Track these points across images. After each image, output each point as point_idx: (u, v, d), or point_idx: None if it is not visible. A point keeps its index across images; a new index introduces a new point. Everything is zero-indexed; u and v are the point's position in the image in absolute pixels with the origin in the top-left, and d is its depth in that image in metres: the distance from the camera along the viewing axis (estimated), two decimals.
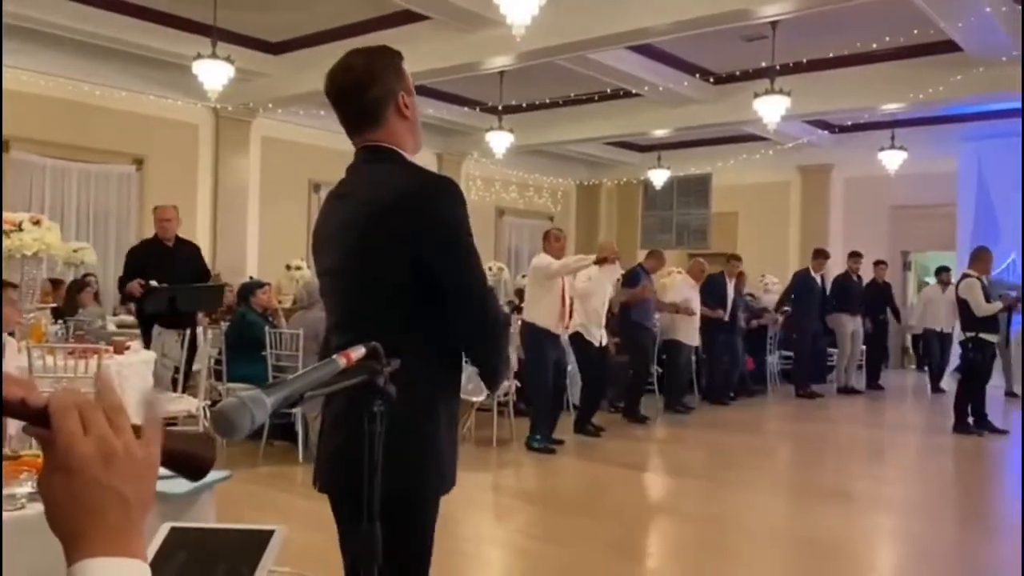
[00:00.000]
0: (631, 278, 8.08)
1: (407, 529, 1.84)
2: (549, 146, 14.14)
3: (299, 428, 5.96)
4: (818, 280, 10.39)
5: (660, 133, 12.66)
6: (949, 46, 8.79)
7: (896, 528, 4.98)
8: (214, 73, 8.20)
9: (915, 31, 8.26)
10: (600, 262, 6.51)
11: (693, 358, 9.30)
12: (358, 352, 1.19)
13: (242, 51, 9.38)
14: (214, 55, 8.11)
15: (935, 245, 13.74)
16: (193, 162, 10.78)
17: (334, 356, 1.14)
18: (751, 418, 8.83)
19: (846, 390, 10.61)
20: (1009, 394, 10.60)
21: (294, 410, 5.92)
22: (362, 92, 1.89)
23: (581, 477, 6.01)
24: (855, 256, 11.04)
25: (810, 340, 10.32)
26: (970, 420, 7.84)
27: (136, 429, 0.72)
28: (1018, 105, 11.40)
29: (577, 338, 6.90)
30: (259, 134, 11.44)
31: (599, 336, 6.98)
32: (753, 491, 5.70)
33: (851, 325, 10.62)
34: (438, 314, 1.83)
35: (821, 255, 10.50)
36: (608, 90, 10.73)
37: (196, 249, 6.91)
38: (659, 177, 14.51)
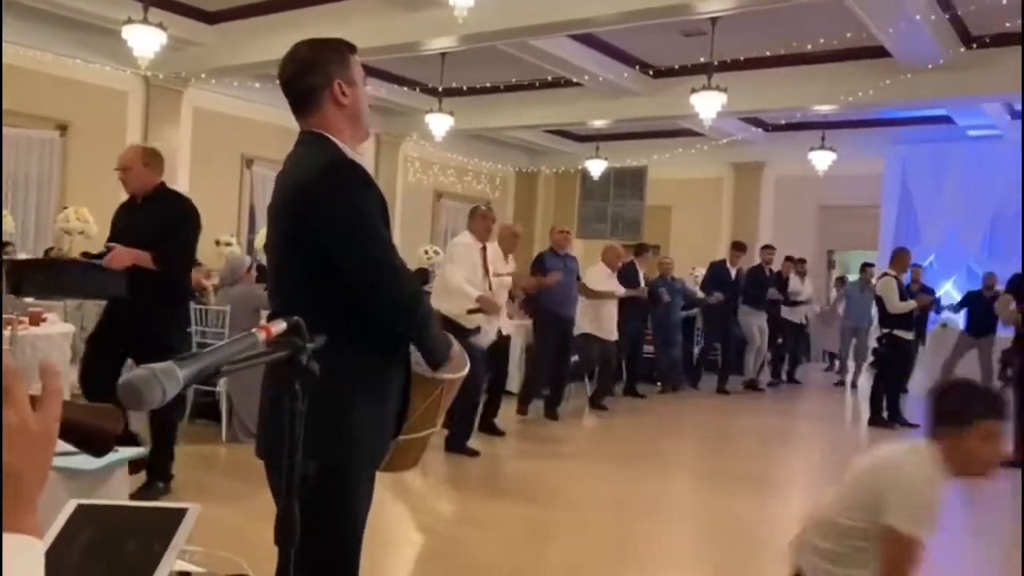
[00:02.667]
0: (537, 263, 7.54)
1: (330, 507, 1.84)
2: (489, 131, 14.11)
3: (223, 407, 5.84)
4: (733, 273, 10.23)
5: (599, 124, 12.76)
6: (880, 51, 9.06)
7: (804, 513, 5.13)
8: (145, 39, 7.93)
9: (848, 35, 8.48)
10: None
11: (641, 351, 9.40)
12: (279, 326, 1.17)
13: (176, 18, 9.08)
14: (145, 21, 7.84)
15: (859, 244, 14.19)
16: (120, 130, 10.41)
17: (253, 330, 1.12)
18: (674, 408, 8.98)
19: (753, 385, 10.40)
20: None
21: (217, 388, 5.81)
22: (300, 79, 1.98)
23: (498, 467, 6.03)
24: (768, 249, 10.94)
25: (721, 331, 10.16)
26: (885, 414, 8.13)
27: (34, 401, 0.69)
28: (944, 112, 11.87)
29: (478, 330, 6.16)
30: (191, 105, 11.11)
31: (498, 326, 6.24)
32: (672, 478, 5.83)
33: (758, 320, 10.44)
34: (349, 294, 1.87)
35: (738, 247, 10.38)
36: (549, 78, 10.75)
37: (167, 209, 4.29)
38: (596, 167, 14.62)
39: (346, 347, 1.82)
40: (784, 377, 11.34)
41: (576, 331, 7.78)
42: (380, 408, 1.92)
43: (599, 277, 8.32)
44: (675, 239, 15.00)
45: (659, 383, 9.82)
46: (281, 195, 1.95)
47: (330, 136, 1.96)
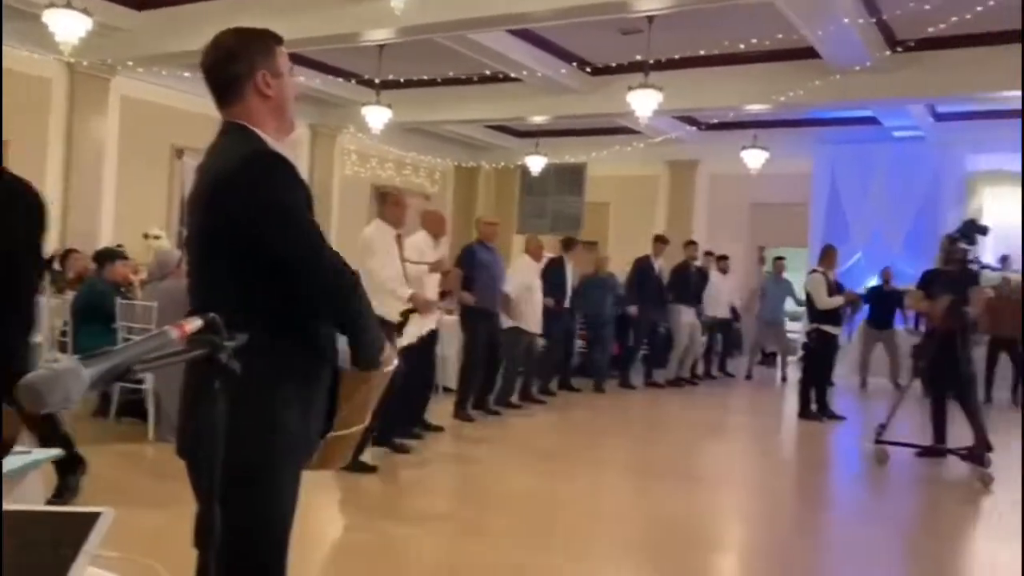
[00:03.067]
0: (466, 255, 7.26)
1: (255, 508, 1.80)
2: (428, 125, 14.02)
3: (150, 405, 5.68)
4: (657, 267, 10.16)
5: (538, 120, 12.79)
6: (810, 53, 9.27)
7: (740, 506, 5.25)
8: (69, 25, 7.65)
9: (779, 36, 8.66)
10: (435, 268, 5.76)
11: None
12: (193, 324, 1.13)
13: (102, 3, 8.79)
14: (69, 5, 7.56)
15: (790, 241, 14.51)
16: (43, 119, 10.03)
17: (166, 327, 1.08)
18: (607, 404, 9.06)
19: (679, 381, 10.38)
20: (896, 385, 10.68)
21: (144, 386, 5.65)
22: (222, 68, 1.94)
23: (431, 464, 6.00)
24: (691, 245, 10.90)
25: (648, 327, 10.16)
26: (813, 407, 8.35)
27: None
28: (870, 113, 12.22)
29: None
30: (119, 93, 10.77)
31: (422, 324, 6.02)
32: (607, 473, 5.88)
33: (687, 316, 10.46)
34: (279, 286, 1.82)
35: (659, 240, 10.31)
36: (488, 72, 10.72)
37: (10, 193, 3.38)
38: (536, 163, 14.66)
39: (272, 343, 1.79)
40: (713, 372, 11.50)
41: (503, 325, 7.62)
42: (308, 405, 1.89)
43: (523, 269, 8.17)
44: (613, 235, 15.14)
45: (593, 378, 9.89)
46: (201, 187, 1.90)
47: (253, 127, 1.92)
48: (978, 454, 5.83)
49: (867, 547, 4.49)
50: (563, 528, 4.46)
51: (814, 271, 8.54)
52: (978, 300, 6.44)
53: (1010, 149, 12.62)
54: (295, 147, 12.65)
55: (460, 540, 4.12)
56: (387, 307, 5.41)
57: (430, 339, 6.21)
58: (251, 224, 1.79)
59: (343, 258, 1.90)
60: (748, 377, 11.55)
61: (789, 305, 11.45)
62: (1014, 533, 5.00)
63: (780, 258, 12.00)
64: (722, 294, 11.33)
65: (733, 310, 11.98)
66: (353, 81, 11.58)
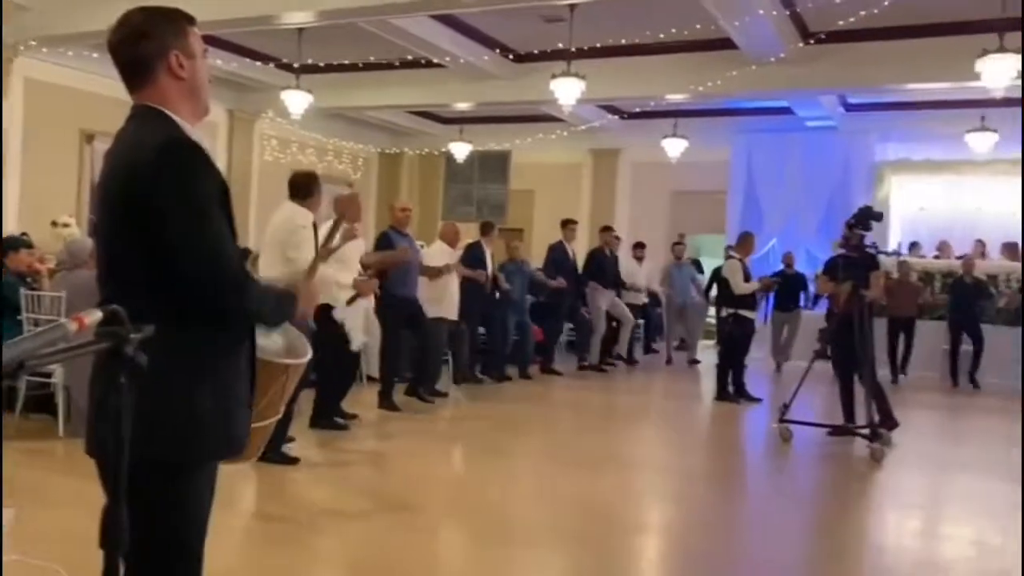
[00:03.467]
0: (382, 243, 7.05)
1: (167, 507, 1.76)
2: (350, 110, 13.82)
3: (59, 399, 5.48)
4: (570, 252, 10.12)
5: (462, 106, 12.74)
6: (727, 43, 9.47)
7: (657, 488, 5.37)
8: None
9: (698, 26, 8.82)
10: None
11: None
12: (93, 316, 1.10)
13: None
14: None
15: (709, 228, 14.86)
16: None
17: (63, 320, 1.05)
18: (533, 390, 9.11)
19: (594, 366, 10.34)
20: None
21: (53, 379, 5.44)
22: (132, 47, 1.85)
23: (359, 454, 5.96)
24: (607, 231, 10.85)
25: (566, 313, 10.09)
26: (731, 389, 8.58)
27: None
28: (785, 103, 12.58)
29: (324, 310, 5.66)
30: (22, 75, 10.26)
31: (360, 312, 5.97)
32: (526, 459, 5.94)
33: (605, 301, 10.43)
34: (182, 281, 1.77)
35: (568, 224, 10.22)
36: (410, 57, 10.62)
37: None
38: (461, 150, 14.63)
39: (184, 335, 1.75)
40: (627, 357, 11.54)
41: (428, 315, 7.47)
42: (223, 398, 1.85)
43: (438, 255, 7.98)
44: (538, 223, 15.23)
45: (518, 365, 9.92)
46: (112, 175, 1.82)
47: (166, 111, 1.85)
48: (873, 431, 6.08)
49: (776, 524, 4.66)
50: (487, 515, 4.49)
51: (731, 257, 8.77)
52: (875, 284, 6.73)
53: (915, 139, 13.21)
54: (212, 132, 12.30)
55: (384, 530, 4.10)
56: (327, 299, 5.38)
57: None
58: (159, 214, 1.73)
59: (237, 254, 1.87)
60: (668, 362, 11.77)
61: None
62: (916, 505, 5.27)
63: (678, 243, 12.23)
64: (640, 281, 11.47)
65: (653, 296, 12.16)
66: (271, 65, 11.32)
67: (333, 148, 15.07)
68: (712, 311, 11.49)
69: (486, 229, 9.08)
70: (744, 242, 8.83)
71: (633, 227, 14.62)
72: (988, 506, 5.22)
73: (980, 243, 12.37)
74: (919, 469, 6.17)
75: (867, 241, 6.46)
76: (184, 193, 1.75)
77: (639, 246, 11.85)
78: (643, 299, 11.61)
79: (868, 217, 6.43)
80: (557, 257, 10.02)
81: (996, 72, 8.02)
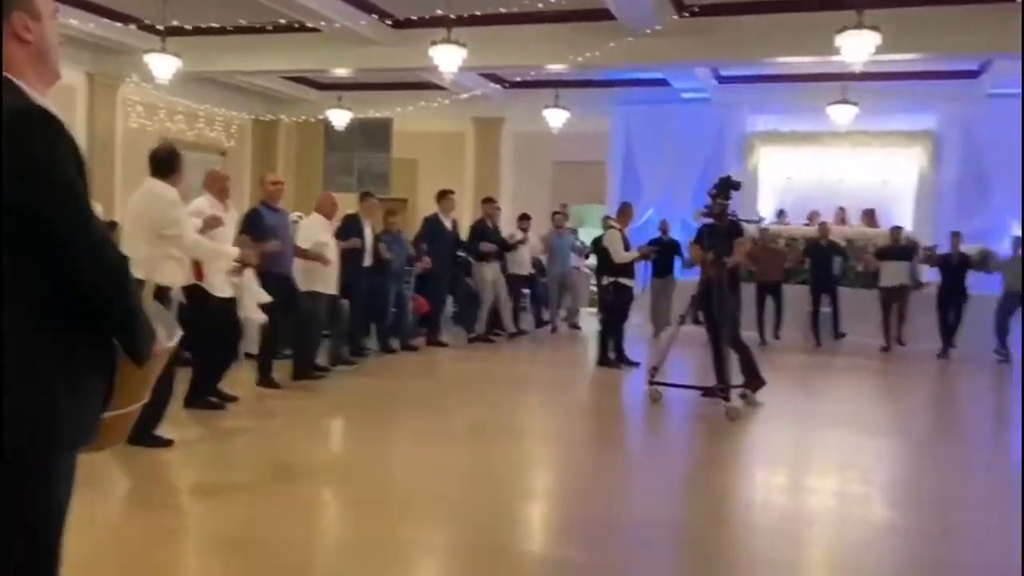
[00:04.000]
0: (253, 219, 6.72)
1: (21, 499, 1.65)
2: (221, 75, 13.23)
3: None
4: (448, 224, 9.96)
5: (340, 72, 12.41)
6: (605, 14, 9.57)
7: (542, 454, 5.47)
8: None
9: None
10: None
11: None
12: None
13: None
14: None
15: (590, 199, 15.10)
16: None
17: None
18: (420, 362, 9.08)
19: (485, 337, 10.39)
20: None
21: None
22: None
23: (234, 434, 5.78)
24: (489, 202, 10.80)
25: (445, 285, 9.98)
26: (612, 355, 8.80)
27: None
28: (661, 76, 12.86)
29: (195, 291, 5.55)
30: None
31: (222, 285, 5.74)
32: (411, 432, 5.91)
33: (490, 273, 10.38)
34: (42, 259, 1.64)
35: (444, 195, 9.99)
36: (283, 21, 10.22)
37: None
38: (340, 118, 14.27)
39: (40, 318, 1.63)
40: (515, 329, 11.62)
41: (302, 287, 7.27)
42: (84, 384, 1.73)
43: (313, 228, 7.70)
44: (422, 192, 15.07)
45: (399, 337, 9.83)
46: None
47: (12, 78, 1.69)
48: (722, 391, 6.38)
49: (653, 486, 4.83)
50: (369, 488, 4.45)
51: (611, 227, 8.94)
52: (739, 250, 7.04)
53: (783, 111, 13.78)
54: (70, 97, 11.52)
55: (262, 507, 4.00)
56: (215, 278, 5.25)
57: (231, 304, 5.93)
58: (15, 191, 1.60)
59: (118, 252, 1.75)
60: (553, 330, 11.93)
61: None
62: (783, 461, 5.56)
63: (558, 212, 12.38)
64: (524, 251, 11.49)
65: (539, 266, 12.27)
66: (134, 26, 10.66)
67: (204, 115, 14.40)
68: (593, 279, 11.74)
69: (364, 199, 8.86)
70: (623, 212, 9.03)
71: (516, 197, 14.70)
72: (849, 458, 5.57)
73: (841, 210, 13.08)
74: (785, 425, 6.51)
75: (729, 210, 6.70)
76: (38, 164, 1.62)
77: (524, 218, 11.83)
78: (529, 269, 11.67)
79: (728, 187, 6.63)
80: (430, 229, 9.80)
81: (855, 47, 8.44)
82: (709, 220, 6.78)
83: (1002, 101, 12.28)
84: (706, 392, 6.82)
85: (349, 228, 8.41)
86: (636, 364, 8.77)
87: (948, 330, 10.83)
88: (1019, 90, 12.04)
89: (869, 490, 4.89)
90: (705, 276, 6.84)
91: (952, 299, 10.81)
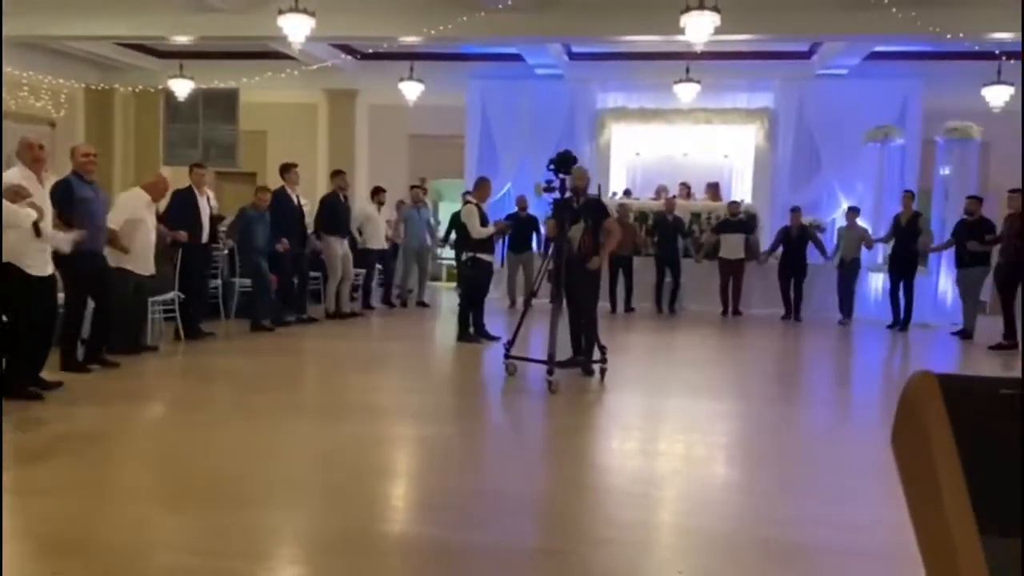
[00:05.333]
0: (63, 191, 6.25)
1: None
2: (48, 40, 12.24)
3: None
4: (294, 198, 9.65)
5: (181, 40, 11.75)
6: None
7: (401, 432, 5.45)
8: None
9: None
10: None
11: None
12: None
13: None
14: None
15: (448, 173, 15.08)
16: None
17: None
18: (263, 343, 8.81)
19: (338, 314, 10.19)
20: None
21: None
22: None
23: (51, 425, 5.44)
24: (339, 175, 10.46)
25: (291, 263, 9.58)
26: (471, 330, 8.86)
27: None
28: (515, 51, 12.93)
29: (8, 269, 5.26)
30: None
31: (43, 264, 5.51)
32: (257, 416, 5.73)
33: (340, 248, 10.13)
34: None
35: (287, 168, 9.69)
36: None
37: None
38: (182, 88, 13.54)
39: None
40: (373, 303, 11.45)
41: (113, 264, 6.92)
42: None
43: (129, 203, 7.25)
44: (272, 165, 14.53)
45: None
46: None
47: None
48: (552, 363, 6.41)
49: (511, 458, 4.93)
50: (217, 480, 4.29)
51: (468, 202, 8.96)
52: (610, 241, 7.16)
53: (631, 88, 14.20)
54: None
55: (88, 506, 3.77)
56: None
57: (51, 284, 5.54)
58: None
59: None
60: (403, 305, 11.84)
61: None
62: (633, 427, 5.80)
63: (415, 187, 12.34)
64: (379, 227, 11.33)
65: (394, 242, 12.14)
66: None
67: (29, 83, 13.29)
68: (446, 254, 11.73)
69: (192, 169, 8.46)
70: (480, 187, 9.07)
71: (373, 172, 14.48)
72: (693, 422, 5.87)
73: (684, 185, 13.67)
74: (636, 393, 6.78)
75: (568, 185, 6.64)
76: None
77: (378, 191, 11.63)
78: (383, 244, 11.49)
79: (568, 161, 6.57)
80: (277, 204, 9.39)
81: (697, 27, 8.79)
82: (554, 195, 6.68)
83: (829, 81, 13.17)
84: (565, 364, 6.93)
85: (180, 203, 8.05)
86: (496, 338, 8.86)
87: (789, 298, 11.61)
88: (844, 71, 12.99)
89: (711, 452, 5.18)
90: (569, 253, 6.76)
91: (793, 270, 11.59)
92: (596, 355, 6.83)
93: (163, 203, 8.03)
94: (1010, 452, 0.70)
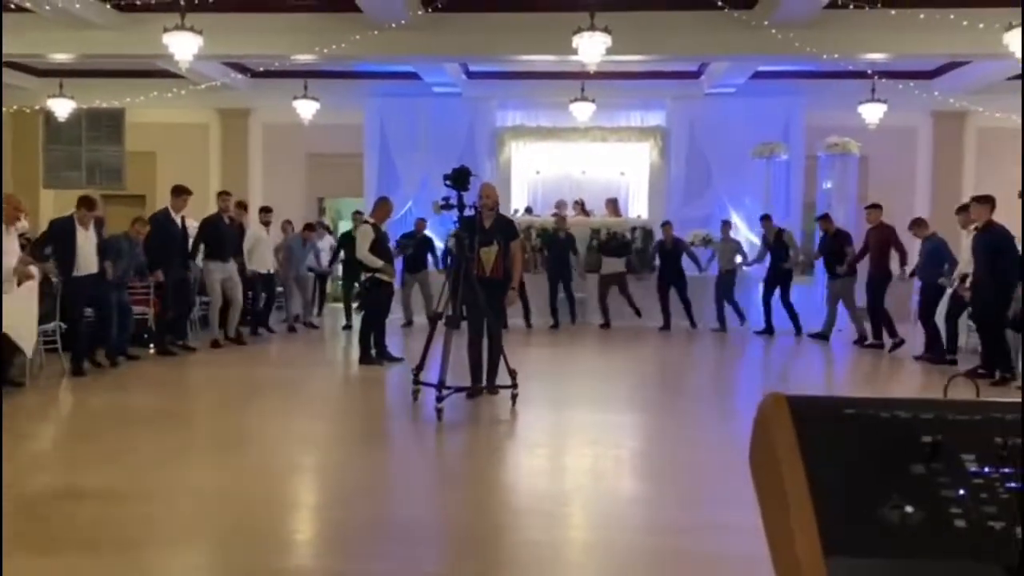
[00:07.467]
0: None
1: None
2: None
3: None
4: (179, 222, 9.25)
5: (61, 58, 11.24)
6: (351, 5, 9.43)
7: (302, 461, 5.30)
8: None
9: None
10: None
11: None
12: None
13: None
14: None
15: (347, 192, 14.89)
16: None
17: None
18: (148, 375, 8.42)
19: (226, 341, 9.78)
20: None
21: None
22: None
23: None
24: (224, 195, 10.08)
25: (171, 289, 9.08)
26: (373, 352, 8.72)
27: None
28: (412, 69, 12.90)
29: None
30: None
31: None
32: (156, 451, 5.50)
33: (220, 272, 9.61)
34: None
35: (177, 192, 9.24)
36: None
37: None
38: (63, 108, 12.94)
39: None
40: (260, 330, 10.93)
41: None
42: None
43: None
44: (161, 187, 14.03)
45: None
46: None
47: None
48: (442, 387, 6.18)
49: (418, 484, 4.86)
50: (108, 523, 4.07)
51: (364, 222, 8.82)
52: (516, 261, 7.03)
53: (529, 106, 14.38)
54: None
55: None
56: None
57: None
58: None
59: None
60: (291, 330, 11.48)
61: None
62: (539, 444, 5.81)
63: (308, 226, 12.06)
64: (267, 249, 10.87)
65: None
66: None
67: None
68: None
69: (79, 207, 7.85)
70: (380, 207, 8.92)
71: (268, 192, 14.16)
72: (597, 436, 5.93)
73: (578, 203, 13.91)
74: (539, 410, 6.78)
75: (466, 200, 6.49)
76: None
77: (265, 210, 11.18)
78: (269, 267, 10.91)
79: (462, 177, 6.46)
80: (159, 228, 8.95)
81: (589, 47, 8.98)
82: (453, 211, 6.56)
83: (718, 99, 13.66)
84: (471, 393, 6.72)
85: (56, 234, 7.67)
86: (399, 359, 8.75)
87: (667, 310, 11.97)
88: (732, 89, 13.49)
89: (617, 466, 5.24)
90: (477, 274, 6.55)
91: (670, 281, 11.98)
92: (505, 379, 6.65)
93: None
94: (853, 473, 0.72)
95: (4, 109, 14.01)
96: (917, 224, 9.86)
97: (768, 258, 11.76)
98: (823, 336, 10.89)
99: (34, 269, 6.63)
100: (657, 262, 12.30)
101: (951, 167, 14.17)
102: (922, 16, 9.37)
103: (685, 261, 12.17)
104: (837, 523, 0.68)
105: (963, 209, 8.88)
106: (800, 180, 13.66)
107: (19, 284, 5.92)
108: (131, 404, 6.93)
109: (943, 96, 12.70)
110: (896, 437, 0.75)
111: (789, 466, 0.72)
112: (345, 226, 14.79)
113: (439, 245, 12.69)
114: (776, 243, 11.57)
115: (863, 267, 10.48)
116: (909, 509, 0.69)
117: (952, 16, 9.21)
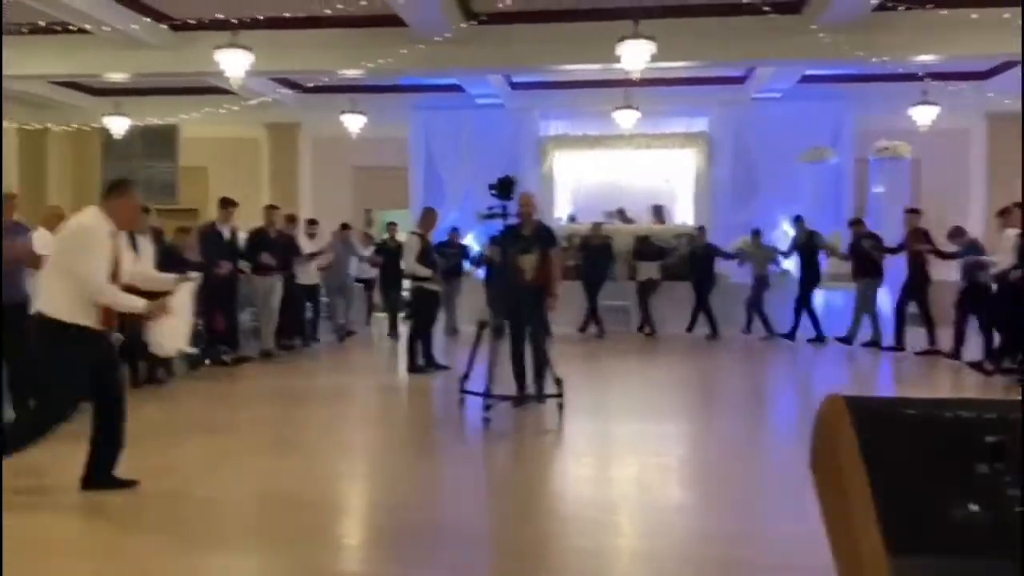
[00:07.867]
0: None
1: None
2: None
3: None
4: (227, 233, 9.31)
5: (116, 77, 11.56)
6: (396, 20, 9.56)
7: (354, 467, 5.36)
8: None
9: (363, 2, 8.78)
10: None
11: None
12: None
13: None
14: None
15: (393, 204, 15.06)
16: None
17: None
18: (203, 386, 8.61)
19: (267, 354, 9.77)
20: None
21: None
22: None
23: None
24: (272, 209, 10.29)
25: (226, 297, 9.16)
26: (421, 360, 8.78)
27: None
28: (455, 81, 13.02)
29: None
30: None
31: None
32: (216, 454, 5.61)
33: (265, 284, 9.76)
34: None
35: (225, 204, 9.33)
36: (42, 23, 9.38)
37: None
38: (118, 125, 13.32)
39: None
40: (309, 340, 10.97)
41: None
42: None
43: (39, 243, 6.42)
44: (213, 201, 14.32)
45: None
46: None
47: None
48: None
49: (467, 491, 4.88)
50: (173, 522, 4.17)
51: (413, 233, 8.90)
52: (556, 274, 7.03)
53: (572, 116, 14.41)
54: None
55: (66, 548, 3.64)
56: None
57: None
58: None
59: None
60: (340, 340, 11.59)
61: None
62: (586, 453, 5.79)
63: (344, 227, 12.08)
64: (312, 261, 10.88)
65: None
66: None
67: None
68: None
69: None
70: (426, 217, 9.00)
71: (317, 204, 14.38)
72: (642, 446, 5.90)
73: (620, 211, 13.87)
74: (585, 419, 6.74)
75: (509, 210, 6.50)
76: None
77: (312, 223, 11.39)
78: (313, 280, 11.01)
79: (507, 186, 6.48)
80: (209, 238, 9.09)
81: (633, 55, 8.96)
82: (498, 220, 6.58)
83: (764, 104, 13.52)
84: (517, 401, 6.72)
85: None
86: (446, 367, 8.79)
87: (697, 314, 11.89)
88: (778, 94, 13.34)
89: (662, 474, 5.20)
90: (517, 281, 6.62)
91: (703, 286, 11.83)
92: (552, 387, 6.62)
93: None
94: (915, 473, 0.72)
95: (62, 128, 14.50)
96: (955, 233, 9.65)
97: (798, 262, 11.57)
98: (874, 343, 10.67)
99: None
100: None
101: (1007, 169, 13.81)
102: (974, 16, 9.18)
103: (728, 264, 12.12)
104: (900, 523, 0.68)
105: (1005, 212, 8.79)
106: (850, 185, 13.45)
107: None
108: (184, 413, 7.07)
109: (997, 97, 12.40)
110: (959, 437, 0.75)
111: (851, 467, 0.72)
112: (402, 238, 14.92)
113: (475, 248, 12.86)
114: (807, 245, 11.38)
115: (902, 270, 10.32)
116: (974, 508, 0.69)
117: (1006, 15, 9.00)
